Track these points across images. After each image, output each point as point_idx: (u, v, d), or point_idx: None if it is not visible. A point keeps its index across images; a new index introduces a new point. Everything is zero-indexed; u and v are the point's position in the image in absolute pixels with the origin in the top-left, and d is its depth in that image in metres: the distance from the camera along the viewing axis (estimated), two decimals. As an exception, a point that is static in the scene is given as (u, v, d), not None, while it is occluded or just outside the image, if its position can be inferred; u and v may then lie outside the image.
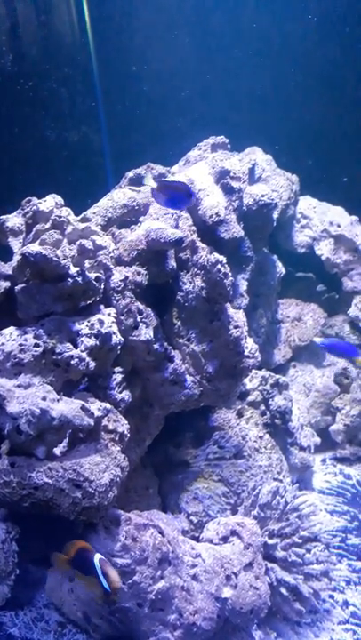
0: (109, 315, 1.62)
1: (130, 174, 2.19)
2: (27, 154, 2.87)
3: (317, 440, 2.43)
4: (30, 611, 1.57)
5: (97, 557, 1.19)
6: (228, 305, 1.86)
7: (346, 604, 1.81)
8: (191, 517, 1.84)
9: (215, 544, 1.67)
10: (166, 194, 1.62)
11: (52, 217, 1.56)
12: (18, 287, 1.55)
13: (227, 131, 2.37)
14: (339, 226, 2.78)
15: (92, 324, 1.55)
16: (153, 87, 3.04)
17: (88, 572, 1.17)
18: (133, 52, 3.02)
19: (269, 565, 1.69)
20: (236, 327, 1.82)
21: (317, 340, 2.16)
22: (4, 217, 1.69)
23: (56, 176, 2.75)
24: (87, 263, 1.60)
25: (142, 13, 2.98)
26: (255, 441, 2.04)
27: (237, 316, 1.85)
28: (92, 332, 1.54)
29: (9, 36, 2.84)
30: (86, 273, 1.57)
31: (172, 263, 1.82)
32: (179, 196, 1.62)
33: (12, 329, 1.53)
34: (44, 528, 1.56)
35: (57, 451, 1.49)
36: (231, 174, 2.08)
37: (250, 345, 1.87)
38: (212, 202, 1.85)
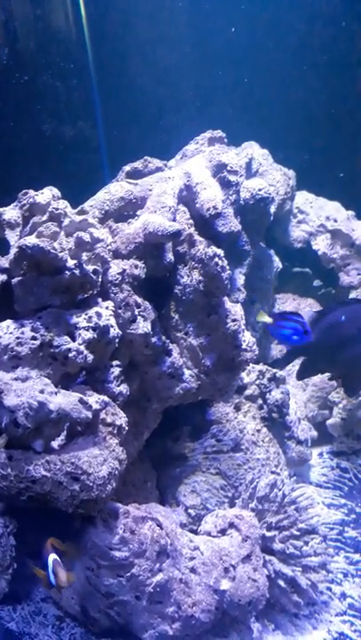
0: (107, 308, 1.62)
1: (127, 168, 2.18)
2: (23, 148, 2.86)
3: (314, 434, 2.44)
4: (28, 605, 1.57)
5: (51, 557, 1.31)
6: (225, 298, 1.86)
7: (343, 595, 1.82)
8: (189, 510, 1.84)
9: (213, 537, 1.67)
10: (283, 326, 1.64)
11: (49, 209, 1.55)
12: (15, 280, 1.54)
13: (223, 125, 2.37)
14: (335, 221, 2.78)
15: (90, 317, 1.55)
16: (150, 81, 3.03)
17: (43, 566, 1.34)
18: (130, 46, 3.01)
19: (267, 558, 1.70)
20: (233, 320, 1.82)
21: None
22: (0, 209, 1.68)
23: (52, 170, 2.73)
24: (85, 256, 1.59)
25: (139, 7, 2.97)
26: (253, 434, 2.04)
27: (235, 310, 1.85)
28: (90, 324, 1.54)
29: (4, 30, 2.82)
30: (84, 266, 1.57)
31: (170, 256, 1.82)
32: (296, 331, 1.63)
33: (8, 322, 1.52)
34: (41, 522, 1.55)
35: (55, 444, 1.49)
36: (228, 168, 2.08)
37: (247, 338, 1.87)
38: (210, 195, 1.84)
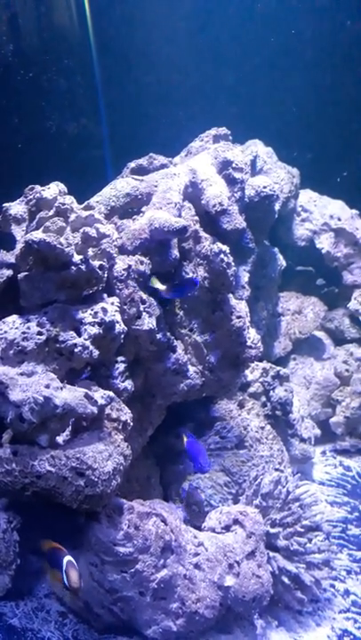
0: (113, 304, 1.61)
1: (132, 164, 2.19)
2: (27, 144, 2.86)
3: (318, 432, 2.44)
4: (31, 601, 1.56)
5: (66, 558, 1.31)
6: (230, 295, 1.86)
7: (347, 592, 1.82)
8: (193, 507, 1.84)
9: (218, 533, 1.67)
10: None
11: (56, 204, 1.55)
12: (21, 275, 1.54)
13: (228, 122, 2.37)
14: (339, 219, 2.78)
15: (96, 313, 1.55)
16: (154, 78, 3.03)
17: (57, 566, 1.33)
18: (134, 44, 3.01)
19: (271, 554, 1.69)
20: (238, 317, 1.82)
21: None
22: (7, 205, 1.67)
23: (57, 165, 2.73)
24: (90, 251, 1.59)
25: (143, 4, 2.97)
26: (257, 431, 2.04)
27: (240, 307, 1.85)
28: (96, 320, 1.53)
29: (9, 27, 2.82)
30: (90, 261, 1.56)
31: (175, 253, 1.81)
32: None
33: (14, 317, 1.52)
34: (45, 517, 1.55)
35: (60, 439, 1.49)
36: (234, 165, 2.08)
37: (252, 335, 1.87)
38: (216, 191, 1.84)
